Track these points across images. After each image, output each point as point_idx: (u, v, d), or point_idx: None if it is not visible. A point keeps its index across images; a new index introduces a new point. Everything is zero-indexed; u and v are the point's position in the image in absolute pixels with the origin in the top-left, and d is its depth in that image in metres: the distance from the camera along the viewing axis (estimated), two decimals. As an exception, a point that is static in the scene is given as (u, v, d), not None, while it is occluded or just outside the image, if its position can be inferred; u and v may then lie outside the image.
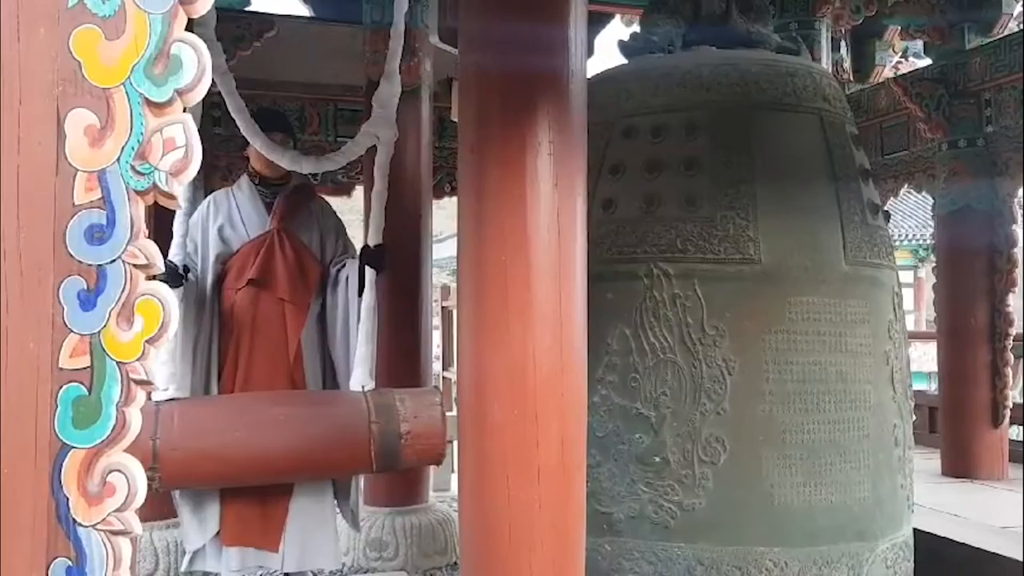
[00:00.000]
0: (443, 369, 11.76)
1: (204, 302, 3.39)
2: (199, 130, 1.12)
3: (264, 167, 3.52)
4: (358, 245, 3.58)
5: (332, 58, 5.41)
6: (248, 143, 3.51)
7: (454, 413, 3.77)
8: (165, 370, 3.14)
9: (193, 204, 3.37)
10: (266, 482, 3.27)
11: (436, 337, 10.34)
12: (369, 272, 3.36)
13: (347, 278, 3.46)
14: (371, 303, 3.34)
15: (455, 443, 3.57)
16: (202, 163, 1.12)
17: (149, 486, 3.22)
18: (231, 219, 3.47)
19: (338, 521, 3.61)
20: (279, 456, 3.04)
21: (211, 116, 4.92)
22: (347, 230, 3.73)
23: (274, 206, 3.51)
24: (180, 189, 1.09)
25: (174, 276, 3.17)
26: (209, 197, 3.50)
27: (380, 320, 3.50)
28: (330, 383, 3.55)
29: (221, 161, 5.28)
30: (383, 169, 3.45)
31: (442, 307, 12.03)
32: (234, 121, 3.32)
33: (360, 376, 3.30)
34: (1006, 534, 4.25)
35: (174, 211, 3.22)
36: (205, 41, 1.10)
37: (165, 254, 2.71)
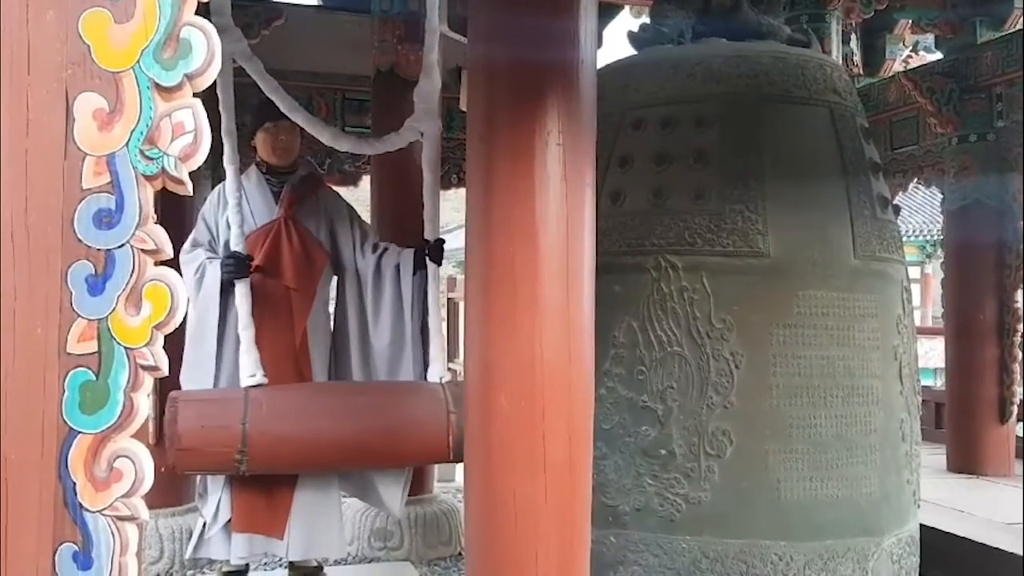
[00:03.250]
0: (448, 360, 11.77)
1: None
2: (210, 119, 1.12)
3: (271, 156, 3.52)
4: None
5: (340, 47, 5.40)
6: (255, 132, 3.52)
7: (460, 404, 3.77)
8: (250, 357, 3.16)
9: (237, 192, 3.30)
10: (346, 468, 3.38)
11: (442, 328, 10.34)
12: (432, 266, 3.41)
13: (398, 267, 3.46)
14: (437, 296, 3.39)
15: (460, 434, 3.58)
16: (211, 151, 1.11)
17: (236, 468, 3.23)
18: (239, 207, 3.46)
19: (343, 511, 3.61)
20: (359, 442, 3.10)
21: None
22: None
23: (281, 195, 3.51)
24: (190, 172, 1.09)
25: (244, 266, 3.19)
26: (218, 186, 3.50)
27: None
28: (335, 371, 3.55)
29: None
30: (432, 164, 3.46)
31: (448, 298, 12.04)
32: (245, 110, 3.32)
33: (439, 368, 3.38)
34: (1012, 530, 4.24)
35: (183, 197, 3.22)
36: (222, 28, 1.10)
37: (173, 241, 2.73)
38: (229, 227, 3.39)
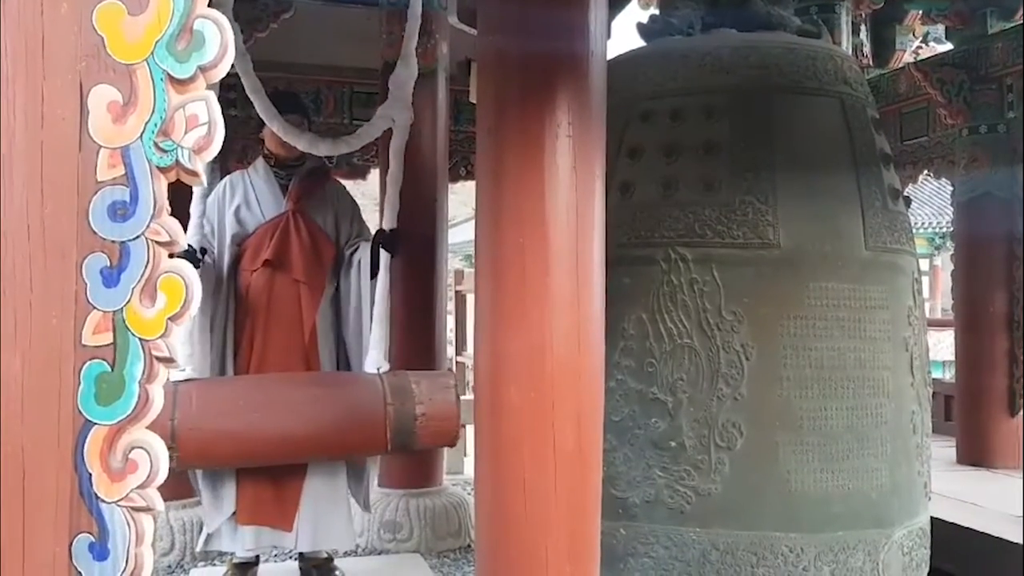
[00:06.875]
0: (456, 353, 11.78)
1: (221, 283, 3.40)
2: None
3: (279, 149, 3.52)
4: (373, 229, 3.58)
5: (348, 40, 5.39)
6: (264, 125, 3.52)
7: (468, 397, 3.77)
8: (182, 351, 3.16)
9: (210, 185, 3.38)
10: (282, 462, 3.29)
11: (450, 321, 10.35)
12: (383, 255, 3.38)
13: (359, 261, 3.47)
14: (385, 286, 3.37)
15: (468, 427, 3.58)
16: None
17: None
18: (247, 200, 3.48)
19: (352, 502, 3.62)
20: (295, 436, 3.07)
21: (226, 98, 4.93)
22: (362, 214, 3.74)
23: (289, 188, 3.51)
24: (203, 166, 1.09)
25: (191, 258, 3.19)
26: (225, 179, 3.50)
27: (395, 304, 3.51)
28: (344, 364, 3.56)
29: (236, 143, 5.27)
30: (398, 152, 3.45)
31: (456, 291, 12.05)
32: (250, 103, 3.32)
33: (375, 358, 3.33)
34: (1020, 523, 4.23)
35: (191, 192, 3.24)
36: (223, 21, 1.09)
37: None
38: (238, 222, 3.41)
